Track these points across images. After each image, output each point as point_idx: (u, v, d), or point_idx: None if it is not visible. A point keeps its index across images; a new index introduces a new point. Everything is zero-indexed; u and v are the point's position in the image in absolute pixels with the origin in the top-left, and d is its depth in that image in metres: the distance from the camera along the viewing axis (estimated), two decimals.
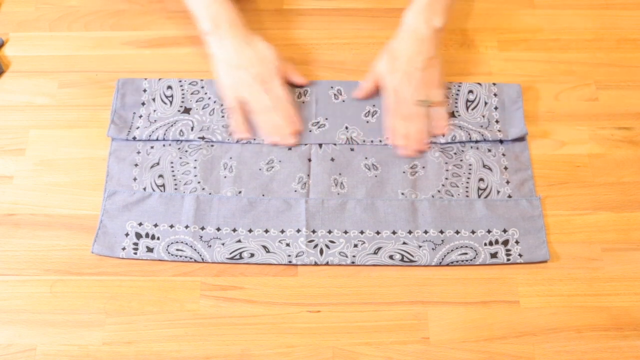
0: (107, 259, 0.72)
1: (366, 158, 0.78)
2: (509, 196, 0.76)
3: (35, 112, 0.82)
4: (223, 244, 0.72)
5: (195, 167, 0.77)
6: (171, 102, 0.82)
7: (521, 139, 0.80)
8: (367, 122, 0.81)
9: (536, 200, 0.75)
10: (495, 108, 0.82)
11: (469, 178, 0.77)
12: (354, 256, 0.72)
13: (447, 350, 0.68)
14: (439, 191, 0.76)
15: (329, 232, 0.73)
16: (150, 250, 0.72)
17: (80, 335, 0.68)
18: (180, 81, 0.83)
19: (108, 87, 0.83)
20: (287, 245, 0.73)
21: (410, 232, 0.73)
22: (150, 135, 0.79)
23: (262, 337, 0.68)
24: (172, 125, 0.80)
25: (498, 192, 0.76)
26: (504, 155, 0.79)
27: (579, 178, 0.78)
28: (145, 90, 0.83)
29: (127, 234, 0.73)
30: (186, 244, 0.72)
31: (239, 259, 0.72)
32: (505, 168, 0.78)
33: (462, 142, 0.79)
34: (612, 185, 0.77)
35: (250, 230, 0.73)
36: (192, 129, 0.79)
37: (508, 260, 0.72)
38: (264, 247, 0.72)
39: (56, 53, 0.86)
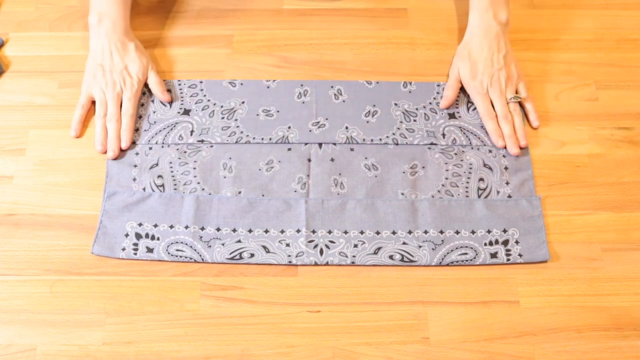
0: (107, 259, 0.72)
1: (366, 158, 0.78)
2: (509, 196, 0.76)
3: (35, 112, 0.82)
4: (223, 244, 0.72)
5: (194, 168, 0.77)
6: (171, 105, 0.82)
7: None
8: (367, 122, 0.81)
9: (536, 200, 0.75)
10: None
11: (469, 178, 0.77)
12: (354, 256, 0.72)
13: (447, 350, 0.68)
14: (439, 191, 0.76)
15: (329, 232, 0.73)
16: (150, 250, 0.72)
17: (80, 335, 0.68)
18: (179, 83, 0.84)
19: None
20: (287, 245, 0.73)
21: (410, 232, 0.73)
22: (149, 140, 0.79)
23: (262, 337, 0.68)
24: (172, 129, 0.80)
25: (498, 192, 0.76)
26: (504, 156, 0.79)
27: (579, 178, 0.78)
28: (144, 93, 0.83)
29: (127, 235, 0.73)
30: (186, 244, 0.72)
31: (239, 259, 0.72)
32: (506, 168, 0.78)
33: (462, 145, 0.79)
34: (612, 185, 0.77)
35: (250, 231, 0.73)
36: (191, 133, 0.79)
37: (508, 260, 0.72)
38: (264, 247, 0.72)
39: (56, 53, 0.86)
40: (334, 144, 0.79)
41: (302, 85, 0.83)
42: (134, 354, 0.67)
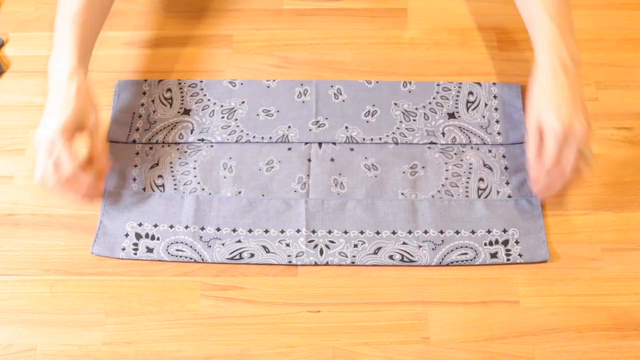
0: (107, 259, 0.72)
1: (366, 158, 0.78)
2: (509, 196, 0.76)
3: (35, 112, 0.82)
4: (223, 244, 0.72)
5: (194, 168, 0.77)
6: (171, 104, 0.82)
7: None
8: (367, 121, 0.81)
9: (536, 200, 0.75)
10: (496, 109, 0.82)
11: (469, 178, 0.77)
12: (354, 256, 0.72)
13: (447, 350, 0.68)
14: (438, 191, 0.76)
15: (329, 232, 0.73)
16: (150, 250, 0.72)
17: (80, 335, 0.68)
18: (179, 83, 0.84)
19: (108, 87, 0.83)
20: (287, 245, 0.73)
21: (410, 232, 0.73)
22: (150, 139, 0.79)
23: (262, 337, 0.68)
24: (172, 129, 0.80)
25: (498, 192, 0.76)
26: (504, 157, 0.79)
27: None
28: (144, 93, 0.83)
29: (127, 235, 0.73)
30: (186, 244, 0.72)
31: (239, 259, 0.72)
32: (506, 168, 0.78)
33: (462, 144, 0.79)
34: (612, 185, 0.77)
35: (250, 231, 0.73)
36: (191, 132, 0.79)
37: (508, 260, 0.72)
38: (264, 247, 0.72)
39: None
40: (334, 143, 0.79)
41: (302, 84, 0.83)
42: (134, 354, 0.67)
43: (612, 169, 0.78)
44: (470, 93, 0.83)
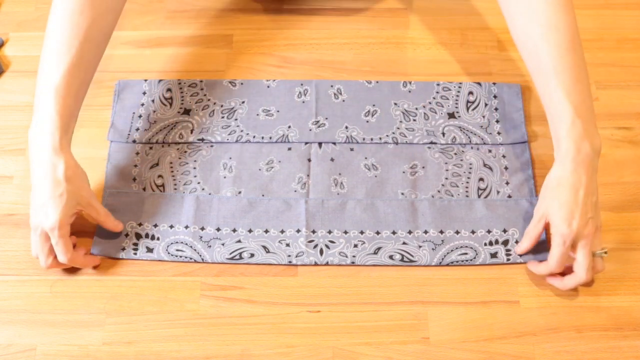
0: (107, 259, 0.72)
1: (366, 158, 0.78)
2: (509, 196, 0.76)
3: None
4: (223, 244, 0.72)
5: (194, 168, 0.77)
6: (171, 104, 0.82)
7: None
8: (367, 121, 0.81)
9: (536, 201, 0.75)
10: (496, 109, 0.82)
11: (469, 178, 0.77)
12: (354, 256, 0.72)
13: (447, 350, 0.67)
14: (438, 191, 0.76)
15: (329, 232, 0.73)
16: (150, 250, 0.72)
17: (80, 335, 0.68)
18: (179, 83, 0.84)
19: (108, 87, 0.83)
20: (287, 245, 0.73)
21: (410, 232, 0.73)
22: (150, 139, 0.79)
23: (262, 337, 0.68)
24: (172, 129, 0.80)
25: (498, 192, 0.76)
26: (504, 157, 0.79)
27: None
28: (144, 93, 0.83)
29: (127, 235, 0.73)
30: (186, 244, 0.72)
31: (239, 259, 0.72)
32: (506, 168, 0.78)
33: (462, 144, 0.79)
34: (612, 185, 0.77)
35: (250, 231, 0.73)
36: (191, 132, 0.79)
37: (508, 260, 0.72)
38: (264, 247, 0.72)
39: None
40: (334, 143, 0.79)
41: (302, 84, 0.83)
42: (134, 354, 0.67)
43: (612, 169, 0.78)
44: (470, 93, 0.83)
